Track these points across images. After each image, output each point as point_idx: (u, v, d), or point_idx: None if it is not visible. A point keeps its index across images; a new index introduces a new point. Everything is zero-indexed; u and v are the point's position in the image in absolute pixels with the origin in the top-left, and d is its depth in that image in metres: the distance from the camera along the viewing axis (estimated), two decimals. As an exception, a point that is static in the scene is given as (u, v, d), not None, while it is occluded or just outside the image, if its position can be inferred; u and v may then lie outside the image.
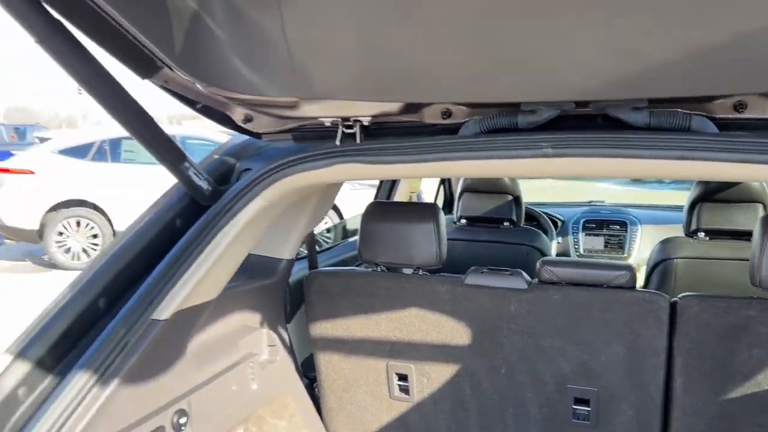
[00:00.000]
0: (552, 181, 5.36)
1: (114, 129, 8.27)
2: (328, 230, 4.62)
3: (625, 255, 4.05)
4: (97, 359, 1.26)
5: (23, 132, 18.55)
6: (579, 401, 1.84)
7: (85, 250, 8.19)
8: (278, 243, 1.89)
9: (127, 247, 1.41)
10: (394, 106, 1.44)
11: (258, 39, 1.23)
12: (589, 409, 1.83)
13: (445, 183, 4.12)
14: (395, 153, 1.35)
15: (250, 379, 1.80)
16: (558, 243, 4.08)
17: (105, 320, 1.33)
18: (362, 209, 2.02)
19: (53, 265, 8.18)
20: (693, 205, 2.64)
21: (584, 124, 1.35)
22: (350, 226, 4.05)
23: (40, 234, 8.08)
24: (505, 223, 3.18)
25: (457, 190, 3.37)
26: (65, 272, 7.99)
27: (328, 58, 1.25)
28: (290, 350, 2.01)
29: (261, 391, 1.84)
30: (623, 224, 4.12)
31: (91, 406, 1.23)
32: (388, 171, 1.44)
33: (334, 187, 1.98)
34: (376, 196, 3.19)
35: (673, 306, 1.72)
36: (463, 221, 3.28)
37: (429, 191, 4.28)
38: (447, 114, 1.44)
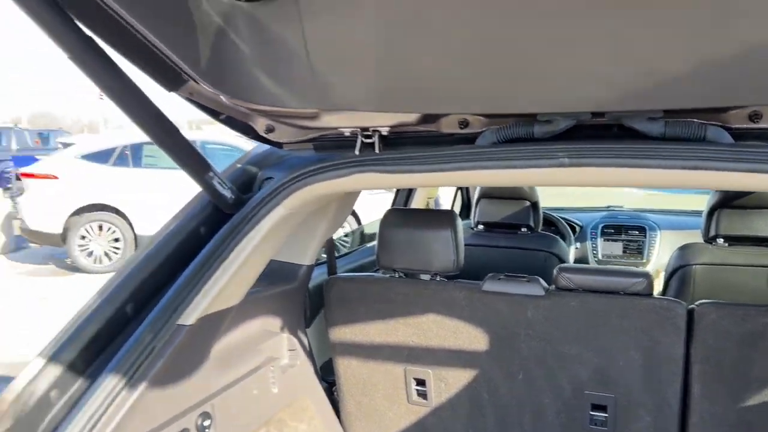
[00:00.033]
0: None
1: (135, 134, 8.40)
2: (346, 234, 4.66)
3: (644, 261, 4.02)
4: (126, 363, 1.30)
5: (47, 137, 18.89)
6: (596, 407, 1.85)
7: (106, 254, 8.32)
8: (298, 249, 1.93)
9: (153, 255, 1.45)
10: (412, 117, 1.46)
11: (280, 53, 1.27)
12: (606, 415, 1.84)
13: (463, 189, 4.13)
14: (413, 162, 1.38)
15: (271, 383, 1.84)
16: (576, 248, 4.07)
17: (132, 326, 1.37)
18: (380, 214, 2.05)
19: (76, 269, 8.32)
20: (712, 211, 2.63)
21: (600, 133, 1.37)
22: (368, 231, 4.08)
23: (63, 237, 8.22)
24: (523, 229, 3.18)
25: (475, 195, 3.39)
26: (87, 275, 8.13)
27: (348, 71, 1.29)
28: (310, 354, 2.04)
29: (281, 395, 1.88)
30: (642, 230, 4.09)
31: (120, 408, 1.27)
32: (407, 180, 1.47)
33: (353, 195, 2.01)
34: (394, 203, 3.21)
35: (690, 313, 1.72)
36: (481, 227, 3.29)
37: (446, 197, 4.29)
38: (464, 124, 1.47)
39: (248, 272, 1.54)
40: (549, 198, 4.19)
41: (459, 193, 4.14)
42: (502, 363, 1.91)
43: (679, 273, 2.66)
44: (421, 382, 2.02)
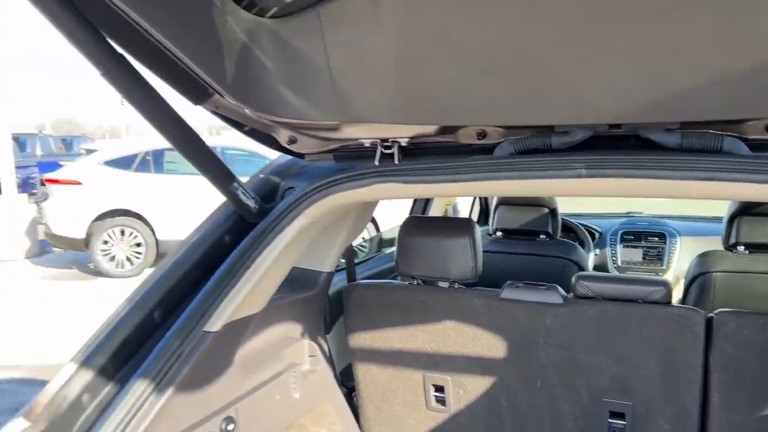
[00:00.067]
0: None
1: (157, 140, 8.52)
2: (365, 240, 4.69)
3: (664, 267, 3.98)
4: (154, 369, 1.35)
5: (70, 143, 19.23)
6: (614, 415, 1.86)
7: (128, 259, 8.44)
8: (319, 256, 1.96)
9: (179, 263, 1.49)
10: (430, 128, 1.49)
11: (303, 67, 1.31)
12: (624, 422, 1.84)
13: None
14: (432, 173, 1.40)
15: (292, 388, 1.87)
16: (595, 255, 4.05)
17: (160, 332, 1.42)
18: (398, 219, 2.07)
19: (98, 273, 8.45)
20: (732, 218, 2.62)
21: (617, 144, 1.38)
22: (386, 237, 4.11)
23: (86, 242, 8.36)
24: (541, 236, 3.18)
25: (493, 202, 3.40)
26: (110, 280, 8.26)
27: (369, 84, 1.32)
28: (329, 360, 2.07)
29: (302, 400, 1.91)
30: (662, 236, 4.06)
31: (148, 412, 1.31)
32: (426, 190, 1.50)
33: (372, 203, 2.04)
34: (412, 210, 3.24)
35: (709, 322, 1.73)
36: (499, 234, 3.29)
37: (465, 203, 4.31)
38: (482, 135, 1.49)
39: (271, 280, 1.58)
40: (568, 203, 4.18)
41: (477, 199, 4.14)
42: (520, 370, 1.92)
43: (699, 280, 2.65)
44: (439, 389, 2.04)
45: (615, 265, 4.08)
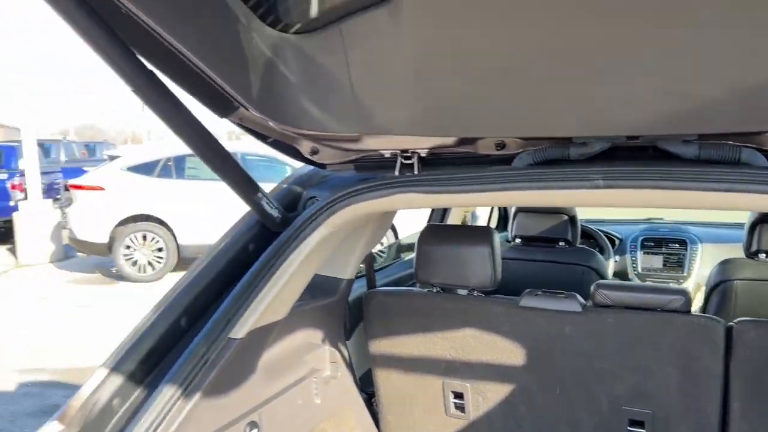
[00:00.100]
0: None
1: (178, 146, 8.65)
2: (383, 246, 4.72)
3: (685, 274, 3.95)
4: (182, 374, 1.39)
5: (93, 149, 19.53)
6: (634, 423, 1.86)
7: (150, 263, 8.56)
8: (340, 264, 1.99)
9: (205, 272, 1.54)
10: (449, 139, 1.52)
11: (325, 81, 1.35)
12: (644, 431, 1.85)
13: (500, 203, 4.14)
14: (452, 183, 1.43)
15: (314, 394, 1.90)
16: (615, 261, 4.03)
17: (187, 338, 1.46)
18: (416, 226, 2.09)
19: (121, 277, 8.59)
20: (754, 226, 2.60)
21: (635, 155, 1.40)
22: (404, 243, 4.13)
23: (109, 247, 8.51)
24: (561, 243, 3.17)
25: (512, 209, 3.40)
26: (132, 284, 8.39)
27: (389, 97, 1.35)
28: (350, 366, 2.10)
29: (324, 406, 1.94)
30: (683, 243, 4.02)
31: (176, 417, 1.35)
32: (445, 200, 1.52)
33: (391, 212, 2.07)
34: (430, 218, 3.26)
35: (728, 331, 1.73)
36: (518, 240, 3.29)
37: (483, 210, 4.31)
38: (501, 145, 1.51)
39: (294, 287, 1.61)
40: (588, 209, 4.16)
41: (496, 206, 4.15)
42: (539, 378, 1.93)
43: (720, 288, 2.63)
44: (459, 395, 2.06)
45: (635, 272, 4.06)
